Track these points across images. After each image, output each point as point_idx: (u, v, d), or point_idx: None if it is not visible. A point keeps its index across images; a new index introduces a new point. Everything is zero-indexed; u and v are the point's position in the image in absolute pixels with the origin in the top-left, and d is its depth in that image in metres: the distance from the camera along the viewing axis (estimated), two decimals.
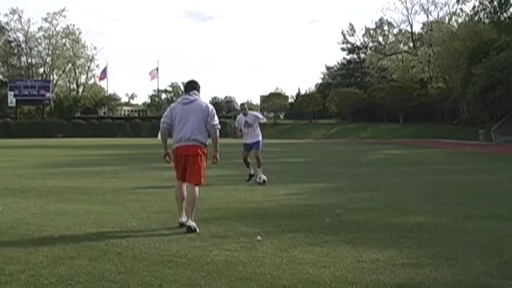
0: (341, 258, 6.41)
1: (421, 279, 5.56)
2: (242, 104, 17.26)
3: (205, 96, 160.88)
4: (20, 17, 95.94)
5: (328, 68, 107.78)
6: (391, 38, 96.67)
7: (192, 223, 8.25)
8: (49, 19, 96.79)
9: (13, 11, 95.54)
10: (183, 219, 8.56)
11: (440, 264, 6.17)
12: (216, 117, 9.05)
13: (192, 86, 9.19)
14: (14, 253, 6.71)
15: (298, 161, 27.36)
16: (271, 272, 5.79)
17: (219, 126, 9.12)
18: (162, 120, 9.01)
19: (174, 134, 8.88)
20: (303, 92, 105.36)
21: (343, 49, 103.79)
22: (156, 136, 63.63)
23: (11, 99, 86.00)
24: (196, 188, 8.66)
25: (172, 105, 9.32)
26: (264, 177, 15.27)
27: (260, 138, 16.04)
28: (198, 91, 9.23)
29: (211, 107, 9.12)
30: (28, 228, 8.33)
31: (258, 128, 16.14)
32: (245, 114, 16.03)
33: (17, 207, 10.66)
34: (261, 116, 16.99)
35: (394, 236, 7.79)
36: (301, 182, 15.36)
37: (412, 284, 5.43)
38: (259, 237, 7.54)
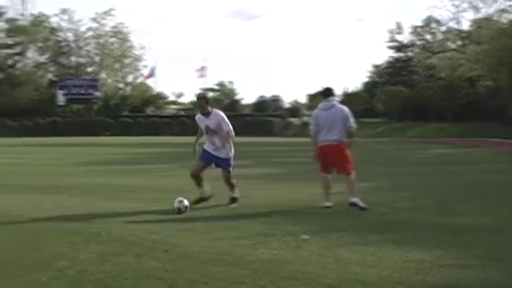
0: (387, 257, 6.37)
1: (469, 281, 5.50)
2: (200, 97, 11.67)
3: (251, 96, 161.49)
4: (70, 17, 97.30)
5: (375, 67, 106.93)
6: (439, 36, 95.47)
7: (355, 199, 10.17)
8: (97, 19, 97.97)
9: (63, 11, 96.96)
10: (329, 203, 10.24)
11: (488, 265, 6.09)
12: (352, 119, 10.54)
13: (329, 93, 10.74)
14: (62, 249, 6.82)
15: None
16: (317, 270, 5.78)
17: (355, 125, 10.68)
18: (310, 127, 10.76)
19: (320, 136, 10.47)
20: (350, 90, 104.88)
21: (390, 47, 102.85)
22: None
23: (61, 98, 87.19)
24: (352, 175, 10.39)
25: (314, 112, 10.93)
26: (236, 195, 11.07)
27: (230, 154, 10.99)
28: (334, 96, 10.87)
29: (347, 110, 10.60)
30: (75, 225, 8.45)
31: (226, 139, 10.88)
32: (205, 114, 10.86)
33: (63, 204, 10.82)
34: (229, 125, 10.90)
35: (440, 236, 7.72)
36: (344, 181, 15.23)
37: (460, 285, 5.38)
38: (304, 236, 7.53)
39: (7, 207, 10.33)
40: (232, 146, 11.01)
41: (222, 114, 11.01)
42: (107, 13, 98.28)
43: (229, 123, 10.84)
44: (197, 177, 10.85)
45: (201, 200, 10.72)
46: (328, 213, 9.69)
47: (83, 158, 27.18)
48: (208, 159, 10.88)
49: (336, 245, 7.09)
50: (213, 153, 10.85)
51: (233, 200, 10.92)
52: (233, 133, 10.90)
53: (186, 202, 9.92)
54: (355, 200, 10.14)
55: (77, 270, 5.81)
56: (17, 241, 7.36)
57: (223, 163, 10.91)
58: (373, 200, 11.39)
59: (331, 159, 10.43)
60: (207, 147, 10.95)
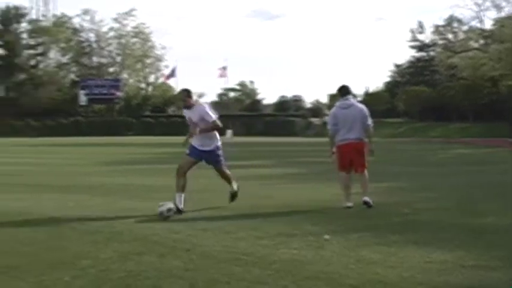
0: (409, 258, 6.34)
1: (491, 282, 5.46)
2: (181, 90, 11.04)
3: (273, 96, 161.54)
4: (92, 18, 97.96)
5: (397, 66, 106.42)
6: (461, 35, 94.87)
7: (367, 198, 10.22)
8: (119, 19, 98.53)
9: (85, 12, 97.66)
10: (350, 203, 10.22)
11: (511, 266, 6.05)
12: (370, 118, 10.63)
13: (346, 91, 10.72)
14: (84, 248, 6.87)
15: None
16: (339, 271, 5.78)
17: (372, 124, 10.73)
18: (329, 126, 10.66)
19: (339, 134, 10.45)
20: (371, 90, 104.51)
21: (412, 47, 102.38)
22: (224, 134, 64.02)
23: (83, 98, 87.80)
24: (366, 173, 10.50)
25: (332, 111, 10.87)
26: (235, 187, 10.73)
27: (216, 144, 10.43)
28: (351, 94, 10.84)
29: (366, 109, 10.68)
30: (97, 224, 8.50)
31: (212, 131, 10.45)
32: (188, 107, 10.45)
33: (86, 204, 10.89)
34: (213, 115, 10.29)
35: (462, 236, 7.68)
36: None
37: (483, 287, 5.35)
38: (326, 236, 7.52)
39: (30, 206, 10.41)
40: (218, 136, 10.51)
41: (205, 106, 10.53)
42: (128, 13, 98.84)
43: (212, 114, 10.26)
44: (181, 175, 10.08)
45: (178, 210, 9.58)
46: (349, 214, 9.68)
47: (105, 158, 27.35)
48: (197, 154, 10.30)
49: (357, 245, 7.07)
50: (200, 148, 10.29)
51: (233, 196, 10.63)
52: (218, 122, 10.31)
53: (167, 205, 9.19)
54: (367, 199, 10.21)
55: (99, 269, 5.85)
56: (40, 240, 7.41)
57: (211, 156, 10.38)
58: (394, 200, 11.39)
59: (350, 158, 10.43)
60: (194, 142, 10.40)
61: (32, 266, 6.02)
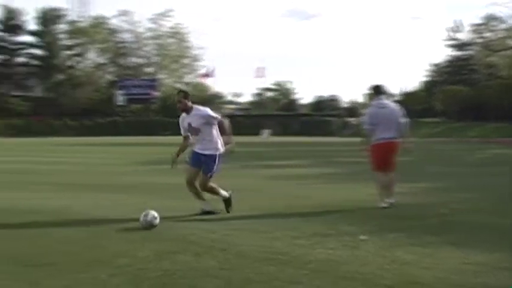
0: (444, 259, 6.30)
1: None
2: (180, 93, 9.79)
3: (309, 95, 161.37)
4: (129, 19, 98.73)
5: (434, 65, 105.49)
6: (500, 34, 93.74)
7: (392, 200, 10.33)
8: (155, 20, 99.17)
9: (123, 13, 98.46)
10: (386, 204, 10.21)
11: None
12: (404, 117, 10.65)
13: (381, 90, 10.74)
14: (121, 247, 6.94)
15: (399, 160, 26.99)
16: (374, 271, 5.76)
17: (408, 122, 10.77)
18: (366, 126, 10.60)
19: (377, 134, 10.41)
20: (407, 89, 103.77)
21: (449, 46, 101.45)
22: (261, 135, 64.08)
23: (120, 98, 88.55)
24: (393, 174, 10.54)
25: (369, 110, 10.76)
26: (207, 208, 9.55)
27: (217, 150, 9.54)
28: (386, 93, 10.96)
29: (400, 108, 10.73)
30: (134, 223, 8.56)
31: (215, 136, 9.56)
32: (186, 111, 9.59)
33: (123, 203, 11.00)
34: (214, 114, 9.58)
35: (500, 238, 7.60)
36: (403, 181, 15.06)
37: None
38: (362, 236, 7.50)
39: (69, 206, 10.53)
40: (221, 143, 9.57)
41: (206, 108, 9.61)
42: (165, 14, 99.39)
43: (216, 115, 9.55)
44: (193, 186, 9.51)
45: (226, 202, 9.67)
46: (384, 214, 9.63)
47: (142, 158, 27.55)
48: (197, 160, 9.50)
49: (392, 245, 7.04)
50: (201, 152, 9.48)
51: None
52: (226, 121, 9.63)
53: (150, 215, 8.13)
54: (392, 200, 10.34)
55: (136, 267, 5.90)
56: (78, 239, 7.50)
57: (206, 161, 9.39)
58: (430, 201, 11.32)
59: (387, 157, 10.48)
60: (196, 148, 9.60)
61: (70, 263, 6.10)
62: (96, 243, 7.19)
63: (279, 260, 6.26)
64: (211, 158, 9.39)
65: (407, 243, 7.21)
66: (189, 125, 9.47)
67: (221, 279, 5.50)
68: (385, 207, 10.09)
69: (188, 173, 9.53)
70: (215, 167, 9.42)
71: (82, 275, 5.63)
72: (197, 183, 9.44)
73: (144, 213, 8.17)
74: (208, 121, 9.40)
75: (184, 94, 9.59)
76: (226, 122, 9.63)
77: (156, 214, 8.15)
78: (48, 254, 6.57)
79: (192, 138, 9.63)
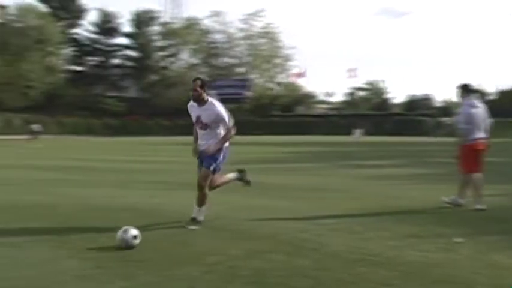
0: None
1: None
2: (197, 80, 8.56)
3: (401, 94, 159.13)
4: (221, 19, 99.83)
5: None
6: None
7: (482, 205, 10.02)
8: (247, 20, 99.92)
9: (216, 14, 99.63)
10: (481, 206, 9.94)
11: None
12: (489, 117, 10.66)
13: (471, 89, 10.71)
14: (213, 245, 7.03)
15: (495, 161, 26.30)
16: (468, 275, 5.63)
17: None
18: (462, 126, 10.36)
19: (472, 134, 10.30)
20: (503, 88, 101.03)
21: None
22: (351, 134, 63.77)
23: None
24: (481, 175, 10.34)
25: (465, 111, 10.47)
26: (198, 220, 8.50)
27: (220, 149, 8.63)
28: (476, 93, 10.91)
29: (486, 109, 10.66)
30: (225, 221, 8.65)
31: (221, 134, 8.60)
32: (198, 101, 8.55)
33: (217, 201, 11.08)
34: (227, 118, 8.56)
35: None
36: (501, 182, 14.72)
37: None
38: (458, 239, 7.35)
39: (162, 203, 10.78)
40: (227, 144, 8.75)
41: (220, 104, 8.59)
42: (256, 14, 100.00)
43: (228, 117, 8.57)
44: (202, 188, 8.63)
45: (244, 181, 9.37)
46: (480, 216, 9.40)
47: (234, 157, 27.71)
48: (201, 158, 8.72)
49: (488, 249, 6.86)
50: (202, 148, 8.65)
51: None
52: (233, 130, 8.74)
53: (131, 232, 6.94)
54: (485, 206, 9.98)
55: (227, 265, 5.97)
56: (169, 236, 7.63)
57: (207, 157, 8.53)
58: None
59: (479, 158, 10.39)
60: (200, 145, 8.74)
61: (162, 260, 6.23)
62: (187, 241, 7.30)
63: (370, 261, 6.20)
64: (211, 155, 8.49)
65: (506, 247, 7.00)
66: (198, 118, 8.55)
67: (312, 279, 5.49)
68: (480, 210, 9.83)
69: (199, 174, 8.69)
70: (217, 162, 8.56)
71: (175, 272, 5.74)
72: (207, 183, 8.58)
73: (123, 228, 7.04)
74: (219, 120, 8.46)
75: (202, 82, 8.48)
76: (233, 132, 8.68)
77: (136, 233, 6.98)
78: (142, 250, 6.72)
79: (197, 131, 8.79)
